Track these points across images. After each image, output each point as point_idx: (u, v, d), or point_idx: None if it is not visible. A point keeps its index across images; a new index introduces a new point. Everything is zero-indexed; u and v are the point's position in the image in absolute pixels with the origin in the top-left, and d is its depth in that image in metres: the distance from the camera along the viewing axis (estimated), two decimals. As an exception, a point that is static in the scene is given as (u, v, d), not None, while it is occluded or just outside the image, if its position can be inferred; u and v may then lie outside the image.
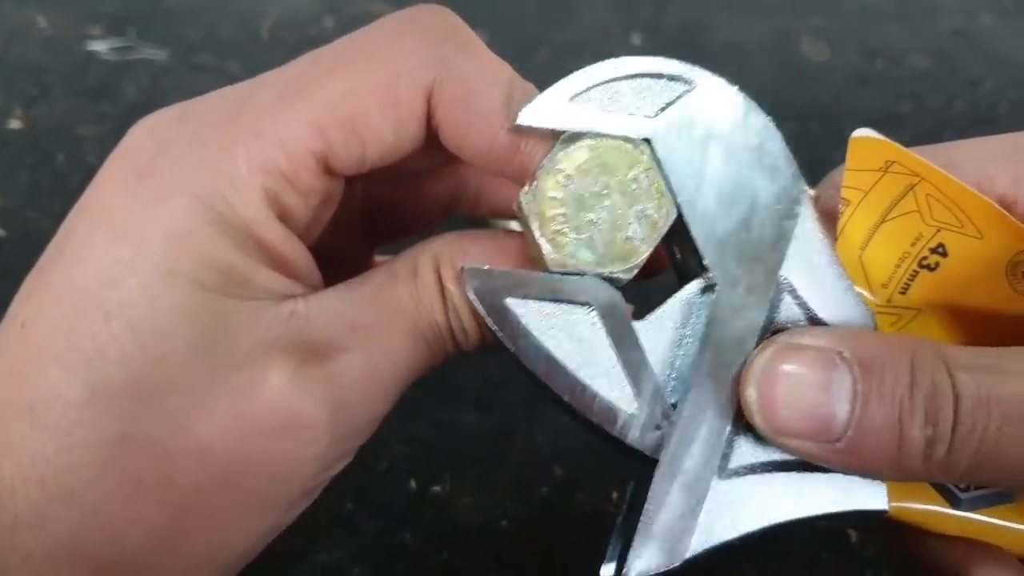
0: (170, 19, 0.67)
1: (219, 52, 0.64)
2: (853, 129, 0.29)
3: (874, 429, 0.25)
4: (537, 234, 0.27)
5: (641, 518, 0.27)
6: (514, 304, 0.27)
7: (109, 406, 0.26)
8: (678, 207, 0.28)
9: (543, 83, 0.28)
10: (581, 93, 0.27)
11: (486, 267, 0.27)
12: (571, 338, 0.27)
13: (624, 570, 0.27)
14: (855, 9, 0.71)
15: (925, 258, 0.30)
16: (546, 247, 0.27)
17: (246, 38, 0.66)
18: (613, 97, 0.28)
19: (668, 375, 0.28)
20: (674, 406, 0.28)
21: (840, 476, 0.28)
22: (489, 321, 0.27)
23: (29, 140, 0.59)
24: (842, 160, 0.29)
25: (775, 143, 0.28)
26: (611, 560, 0.28)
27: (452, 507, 0.44)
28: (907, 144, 0.30)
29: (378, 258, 0.40)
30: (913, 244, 0.30)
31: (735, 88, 0.28)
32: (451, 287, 0.29)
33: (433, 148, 0.30)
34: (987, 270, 0.29)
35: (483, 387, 0.47)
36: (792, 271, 0.28)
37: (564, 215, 0.27)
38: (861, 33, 0.69)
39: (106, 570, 0.27)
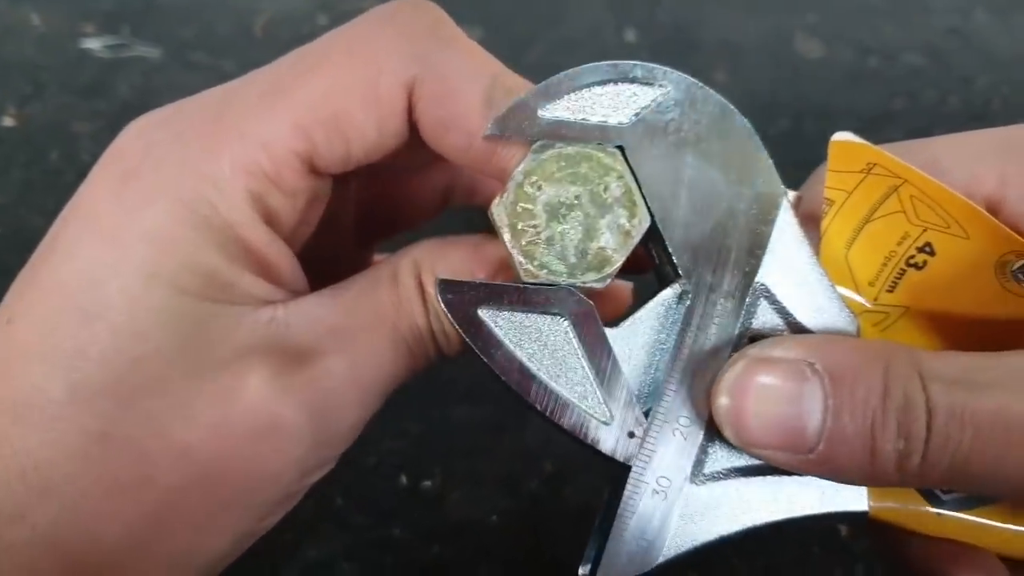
0: (163, 17, 0.67)
1: (213, 50, 0.64)
2: (847, 126, 0.29)
3: (845, 441, 0.25)
4: (509, 245, 0.27)
5: (614, 523, 0.27)
6: (486, 315, 0.27)
7: (89, 405, 0.26)
8: (652, 215, 0.28)
9: (537, 80, 0.28)
10: (552, 101, 0.27)
11: (459, 279, 0.27)
12: (544, 348, 0.27)
13: (597, 574, 0.27)
14: (849, 6, 0.71)
15: (912, 257, 0.30)
16: (518, 258, 0.27)
17: (240, 36, 0.66)
18: (585, 104, 0.28)
19: (642, 382, 0.28)
20: (648, 413, 0.28)
21: (818, 479, 0.28)
22: (461, 332, 0.27)
23: (23, 138, 0.59)
24: (835, 158, 0.29)
25: (752, 146, 0.28)
26: (588, 562, 0.28)
27: (442, 502, 0.44)
28: (900, 141, 0.29)
29: (377, 256, 0.40)
30: (899, 243, 0.30)
31: (710, 91, 0.28)
32: (432, 291, 0.29)
33: (423, 143, 0.30)
34: (975, 269, 0.29)
35: (473, 382, 0.47)
36: (770, 276, 0.28)
37: (535, 226, 0.27)
38: (855, 30, 0.69)
39: (83, 565, 0.27)
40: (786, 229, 0.28)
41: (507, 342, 0.27)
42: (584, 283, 0.28)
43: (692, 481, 0.28)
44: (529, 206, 0.27)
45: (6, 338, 0.28)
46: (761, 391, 0.26)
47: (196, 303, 0.27)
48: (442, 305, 0.27)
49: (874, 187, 0.29)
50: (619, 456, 0.28)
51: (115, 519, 0.27)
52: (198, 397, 0.27)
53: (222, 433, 0.27)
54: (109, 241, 0.27)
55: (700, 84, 0.28)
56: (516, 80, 0.29)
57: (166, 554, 0.28)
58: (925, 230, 0.29)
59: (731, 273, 0.28)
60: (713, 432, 0.28)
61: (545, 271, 0.28)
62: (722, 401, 0.27)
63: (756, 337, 0.28)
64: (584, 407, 0.28)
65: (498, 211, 0.27)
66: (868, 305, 0.31)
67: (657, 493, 0.28)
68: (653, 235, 0.28)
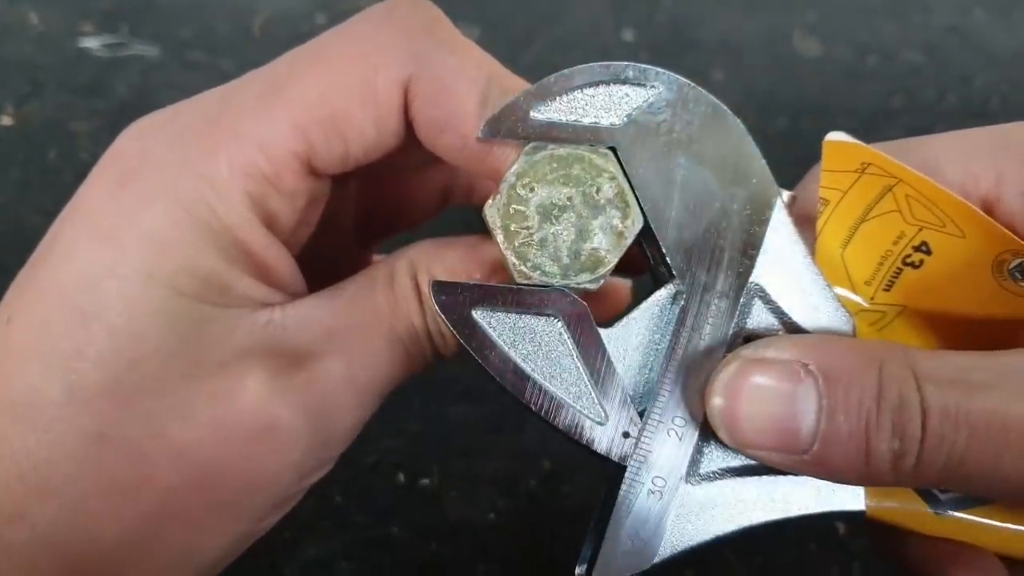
0: (162, 16, 0.67)
1: (211, 49, 0.64)
2: (845, 125, 0.29)
3: (840, 442, 0.25)
4: (502, 246, 0.27)
5: (610, 523, 0.28)
6: (481, 316, 0.27)
7: (87, 405, 0.27)
8: (645, 215, 0.28)
9: (534, 79, 0.28)
10: (545, 102, 0.27)
11: (455, 280, 0.27)
12: (538, 349, 0.27)
13: (593, 574, 0.27)
14: (847, 4, 0.71)
15: (909, 256, 0.30)
16: (511, 259, 0.27)
17: (238, 35, 0.66)
18: (577, 105, 0.28)
19: (637, 382, 0.28)
20: (643, 413, 0.28)
21: (814, 479, 0.28)
22: (456, 333, 0.27)
23: (21, 136, 0.59)
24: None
25: (745, 146, 0.28)
26: (584, 562, 0.28)
27: (440, 500, 0.44)
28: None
29: (376, 257, 0.40)
30: (896, 242, 0.30)
31: (702, 91, 0.28)
32: (428, 292, 0.29)
33: (420, 143, 0.30)
34: (971, 268, 0.29)
35: (471, 380, 0.47)
36: (764, 276, 0.28)
37: (528, 228, 0.27)
38: (853, 28, 0.69)
39: (81, 565, 0.27)
40: (781, 229, 0.28)
41: (501, 343, 0.27)
42: (578, 284, 0.28)
43: (687, 481, 0.28)
44: (522, 208, 0.27)
45: (4, 338, 0.28)
46: (755, 392, 0.26)
47: (194, 305, 0.27)
48: (436, 306, 0.27)
49: (869, 186, 0.29)
50: (614, 456, 0.28)
51: (113, 519, 0.27)
52: (196, 398, 0.27)
53: (220, 434, 0.27)
54: (107, 242, 0.27)
55: (692, 84, 0.28)
56: (513, 80, 0.29)
57: (164, 554, 0.28)
58: (921, 229, 0.29)
59: (725, 273, 0.28)
60: (708, 432, 0.28)
61: (538, 272, 0.28)
62: (716, 402, 0.27)
63: (751, 337, 0.28)
64: (579, 407, 0.28)
65: (491, 213, 0.28)
66: (864, 304, 0.31)
67: (652, 493, 0.28)
68: (646, 236, 0.28)
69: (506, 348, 0.27)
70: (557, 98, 0.27)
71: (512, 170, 0.27)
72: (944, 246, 0.29)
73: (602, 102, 0.28)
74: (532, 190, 0.27)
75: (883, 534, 0.31)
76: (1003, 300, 0.29)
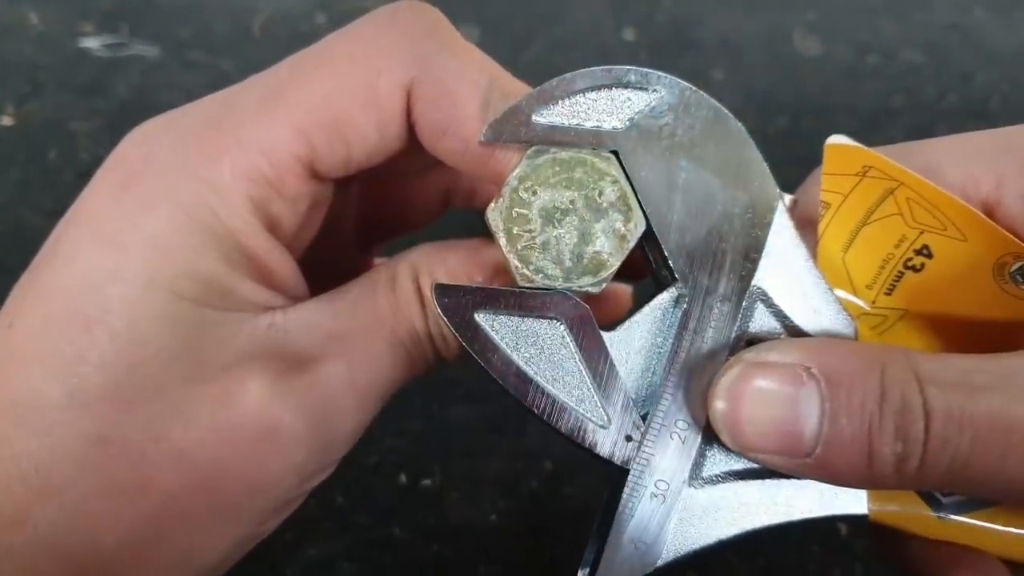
0: (162, 16, 0.67)
1: (211, 49, 0.64)
2: (846, 124, 0.29)
3: (843, 445, 0.25)
4: (505, 250, 0.27)
5: (612, 527, 0.28)
6: (483, 319, 0.27)
7: (88, 408, 0.27)
8: (647, 219, 0.28)
9: (534, 79, 0.28)
10: (547, 106, 0.27)
11: (457, 283, 0.27)
12: (540, 352, 0.27)
13: None
14: (847, 4, 0.71)
15: (910, 259, 0.30)
16: (514, 263, 0.27)
17: (238, 35, 0.65)
18: (579, 109, 0.28)
19: (640, 385, 0.28)
20: (646, 416, 0.28)
21: (817, 482, 0.28)
22: (458, 336, 0.27)
23: (21, 136, 0.59)
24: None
25: (746, 150, 0.28)
26: (587, 565, 0.28)
27: (442, 501, 0.44)
28: (899, 139, 0.29)
29: (378, 260, 0.40)
30: (897, 246, 0.30)
31: (704, 95, 0.28)
32: (430, 295, 0.29)
33: (422, 146, 0.30)
34: (973, 271, 0.29)
35: (473, 381, 0.47)
36: (766, 280, 0.28)
37: (531, 231, 0.27)
38: (853, 27, 0.69)
39: (82, 567, 0.27)
40: (782, 232, 0.28)
41: (504, 346, 0.27)
42: (580, 287, 0.28)
43: (690, 484, 0.28)
44: (524, 211, 0.27)
45: (6, 341, 0.28)
46: (757, 395, 0.26)
47: (195, 309, 0.27)
48: (439, 309, 0.27)
49: (870, 190, 0.29)
50: (617, 459, 0.28)
51: (115, 522, 0.27)
52: (197, 402, 0.27)
53: (221, 438, 0.28)
54: (110, 246, 0.27)
55: (694, 88, 0.28)
56: (514, 84, 0.29)
57: (165, 556, 0.28)
58: (922, 233, 0.29)
59: (727, 277, 0.28)
60: (711, 436, 0.28)
61: (541, 275, 0.28)
62: (718, 405, 0.27)
63: (753, 341, 0.28)
64: (581, 410, 0.28)
65: (493, 216, 0.28)
66: (866, 308, 0.31)
67: (655, 496, 0.28)
68: (649, 239, 0.28)
69: (508, 351, 0.27)
70: (559, 102, 0.27)
71: (514, 173, 0.28)
72: (945, 249, 0.29)
73: (604, 106, 0.28)
74: (535, 193, 0.28)
75: (886, 537, 0.31)
76: (1004, 303, 0.29)
